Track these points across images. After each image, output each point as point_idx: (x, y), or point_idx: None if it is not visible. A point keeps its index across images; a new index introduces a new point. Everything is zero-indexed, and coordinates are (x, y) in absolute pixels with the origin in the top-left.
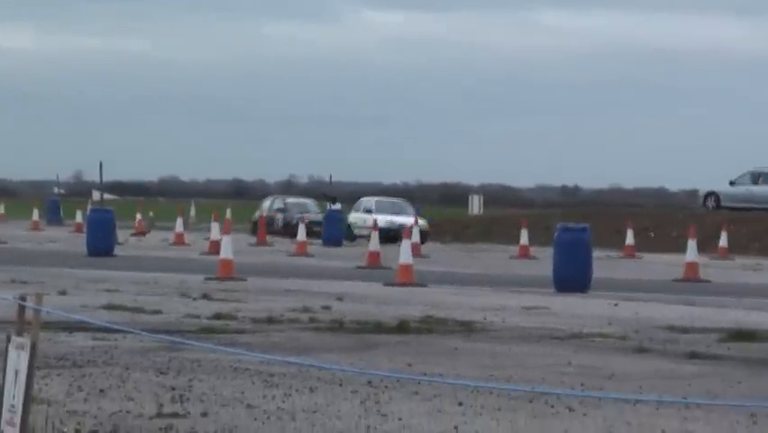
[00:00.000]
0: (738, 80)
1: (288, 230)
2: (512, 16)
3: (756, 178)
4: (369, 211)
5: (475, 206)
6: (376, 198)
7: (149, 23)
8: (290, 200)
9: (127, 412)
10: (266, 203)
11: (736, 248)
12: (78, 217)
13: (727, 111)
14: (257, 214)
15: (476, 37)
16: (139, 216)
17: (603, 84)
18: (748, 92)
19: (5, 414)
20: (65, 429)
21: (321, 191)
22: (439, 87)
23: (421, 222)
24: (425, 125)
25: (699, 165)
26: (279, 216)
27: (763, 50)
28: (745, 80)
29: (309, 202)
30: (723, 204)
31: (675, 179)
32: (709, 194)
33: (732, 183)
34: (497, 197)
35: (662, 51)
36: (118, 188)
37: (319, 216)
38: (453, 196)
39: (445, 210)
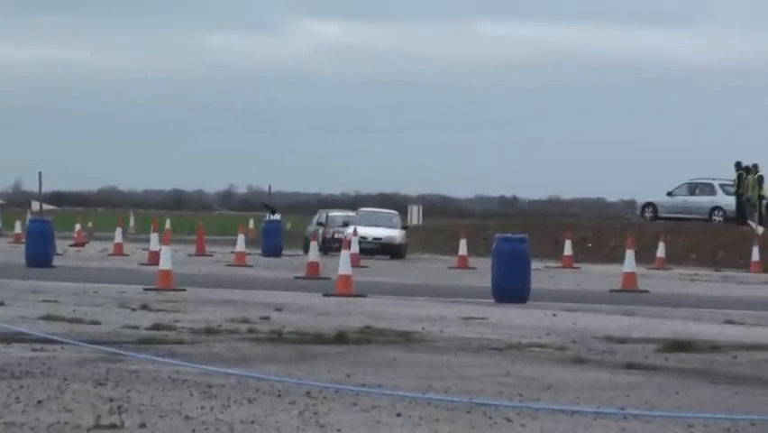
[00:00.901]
0: (676, 92)
1: (326, 245)
2: (449, 26)
3: (693, 189)
4: (346, 224)
5: (414, 216)
6: (362, 209)
7: (89, 34)
8: (332, 214)
9: (65, 423)
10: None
11: (673, 258)
12: (17, 228)
13: (665, 123)
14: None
15: (413, 46)
16: (78, 227)
17: (542, 94)
18: (687, 103)
19: None
20: None
21: (260, 201)
22: (377, 97)
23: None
24: (364, 135)
25: (637, 176)
26: (320, 230)
27: (701, 63)
28: (684, 92)
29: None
30: (660, 214)
31: (613, 190)
32: (647, 204)
33: (669, 194)
34: (436, 207)
35: (600, 62)
36: (57, 198)
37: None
38: (392, 206)
39: None
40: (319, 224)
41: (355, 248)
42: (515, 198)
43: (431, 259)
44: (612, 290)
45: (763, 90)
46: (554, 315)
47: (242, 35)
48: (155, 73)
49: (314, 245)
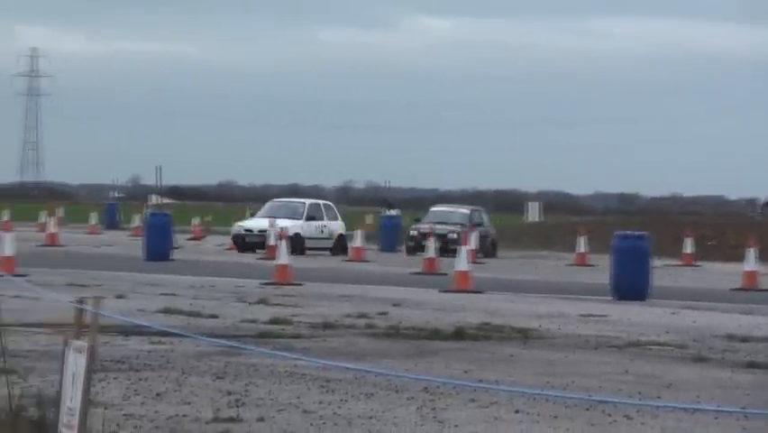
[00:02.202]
0: None
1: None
2: (564, 23)
3: None
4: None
5: (533, 212)
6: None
7: (207, 29)
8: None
9: (184, 416)
10: None
11: None
12: (136, 221)
13: None
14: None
15: (527, 42)
16: (196, 221)
17: (663, 91)
18: None
19: (63, 417)
20: None
21: (382, 197)
22: (496, 94)
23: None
24: (483, 132)
25: (759, 174)
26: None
27: None
28: None
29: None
30: None
31: (734, 188)
32: None
33: None
34: (555, 204)
35: (723, 59)
36: (176, 192)
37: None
38: (510, 203)
39: (502, 217)
40: (416, 220)
41: (473, 244)
42: (635, 196)
43: (549, 256)
44: (732, 289)
45: None
46: (674, 313)
47: (358, 30)
48: (271, 68)
49: (431, 241)
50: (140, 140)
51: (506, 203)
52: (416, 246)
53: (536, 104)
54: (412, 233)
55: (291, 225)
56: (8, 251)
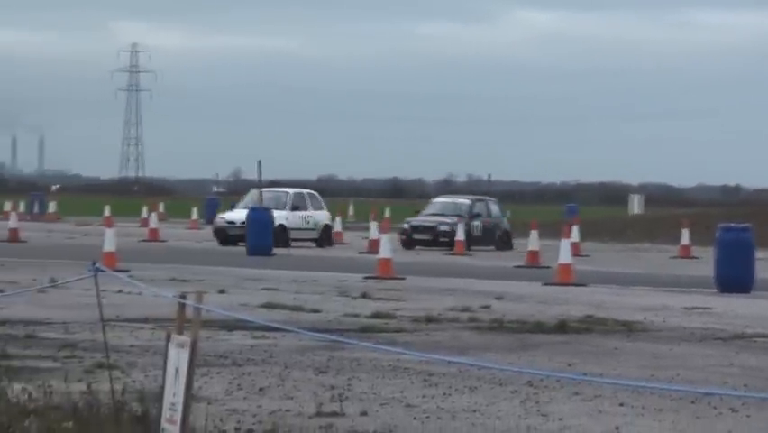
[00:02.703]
0: None
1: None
2: (666, 15)
3: None
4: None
5: (635, 205)
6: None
7: (300, 23)
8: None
9: (286, 411)
10: None
11: None
12: None
13: None
14: None
15: (631, 35)
16: None
17: (765, 82)
18: None
19: (166, 412)
20: (225, 428)
21: (480, 190)
22: (597, 87)
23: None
24: (584, 125)
25: None
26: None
27: None
28: None
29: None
30: None
31: None
32: None
33: None
34: (657, 196)
35: None
36: (276, 186)
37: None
38: (612, 195)
39: (605, 209)
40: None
41: (575, 237)
42: (737, 187)
43: (652, 248)
44: None
45: None
46: None
47: (455, 24)
48: (369, 62)
49: (534, 234)
50: (240, 135)
51: (608, 195)
52: (409, 240)
53: (636, 96)
54: (404, 226)
55: (276, 216)
56: (109, 246)
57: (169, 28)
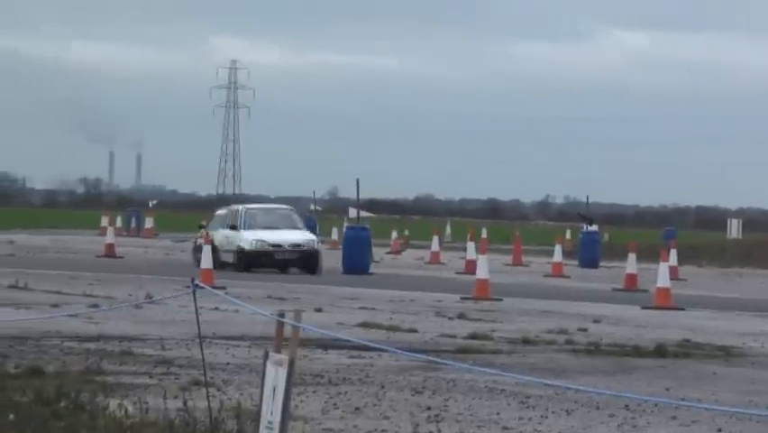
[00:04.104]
0: None
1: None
2: (761, 37)
3: None
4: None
5: (733, 229)
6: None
7: (405, 42)
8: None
9: (382, 431)
10: None
11: None
12: (334, 234)
13: None
14: None
15: (731, 58)
16: (395, 235)
17: None
18: None
19: (263, 430)
20: None
21: (577, 212)
22: (692, 109)
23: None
24: (681, 147)
25: None
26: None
27: None
28: None
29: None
30: None
31: None
32: None
33: None
34: (756, 220)
35: None
36: (373, 205)
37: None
38: (710, 219)
39: (702, 233)
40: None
41: (673, 261)
42: None
43: (750, 273)
44: None
45: None
46: None
47: (550, 44)
48: (465, 82)
49: (632, 257)
50: (337, 153)
51: (706, 219)
52: None
53: (733, 120)
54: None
55: (303, 240)
56: (207, 263)
57: (268, 45)
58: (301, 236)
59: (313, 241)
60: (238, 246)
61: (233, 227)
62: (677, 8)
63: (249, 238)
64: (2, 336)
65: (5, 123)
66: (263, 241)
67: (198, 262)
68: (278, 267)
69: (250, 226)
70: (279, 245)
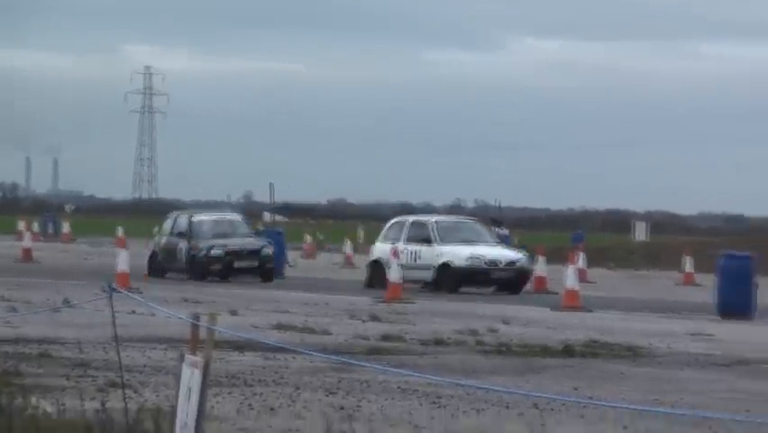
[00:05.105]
0: None
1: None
2: (668, 45)
3: None
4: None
5: (640, 232)
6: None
7: (307, 47)
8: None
9: (296, 431)
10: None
11: None
12: None
13: None
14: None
15: (632, 64)
16: (309, 238)
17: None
18: None
19: (179, 431)
20: None
21: (489, 216)
22: (603, 114)
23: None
24: (588, 152)
25: None
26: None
27: None
28: None
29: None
30: None
31: None
32: None
33: None
34: (662, 223)
35: None
36: (287, 209)
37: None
38: (617, 222)
39: (610, 236)
40: (178, 234)
41: (581, 263)
42: (741, 216)
43: (657, 275)
44: None
45: None
46: None
47: (462, 51)
48: (377, 87)
49: (541, 260)
50: (252, 157)
51: (614, 222)
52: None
53: (642, 124)
54: None
55: (517, 258)
56: (123, 267)
57: (180, 51)
58: (512, 254)
59: (524, 258)
60: (442, 263)
61: (425, 240)
62: (586, 18)
63: (461, 254)
64: None
65: None
66: (480, 258)
67: (151, 269)
68: (492, 285)
69: (445, 240)
70: (497, 262)
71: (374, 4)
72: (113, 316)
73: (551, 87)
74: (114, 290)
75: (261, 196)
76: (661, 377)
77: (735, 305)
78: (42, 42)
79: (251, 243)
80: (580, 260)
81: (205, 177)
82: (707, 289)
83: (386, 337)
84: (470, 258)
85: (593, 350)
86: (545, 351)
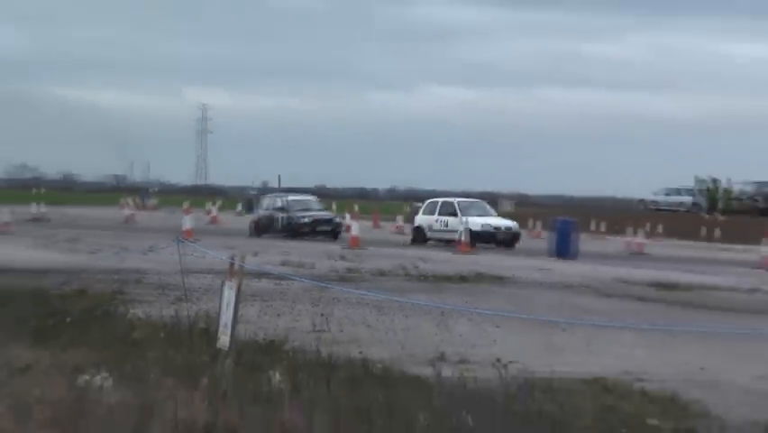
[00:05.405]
0: None
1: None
2: (518, 92)
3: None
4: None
5: (505, 205)
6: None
7: (300, 89)
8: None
9: (294, 328)
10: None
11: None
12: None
13: None
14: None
15: (506, 105)
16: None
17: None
18: None
19: (221, 328)
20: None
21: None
22: (473, 136)
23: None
24: (473, 160)
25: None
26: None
27: None
28: None
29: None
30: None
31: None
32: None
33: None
34: (523, 202)
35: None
36: (291, 191)
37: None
38: (489, 200)
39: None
40: (276, 208)
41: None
42: (568, 196)
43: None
44: (631, 253)
45: None
46: (594, 268)
47: (393, 94)
48: (335, 115)
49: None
50: (265, 159)
51: (491, 200)
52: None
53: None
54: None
55: (512, 225)
56: (188, 225)
57: (222, 91)
58: (510, 223)
59: (514, 225)
60: (464, 228)
61: (452, 213)
62: (477, 72)
63: (477, 222)
64: (63, 270)
65: None
66: (489, 225)
67: (255, 231)
68: (497, 243)
69: (466, 213)
70: (499, 228)
71: (332, 60)
72: (180, 256)
73: (443, 120)
74: (180, 240)
75: (273, 183)
76: (519, 294)
77: (564, 251)
78: (127, 83)
79: (326, 214)
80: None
81: (236, 170)
82: (547, 241)
83: (349, 270)
84: (483, 225)
85: (478, 277)
86: (448, 278)
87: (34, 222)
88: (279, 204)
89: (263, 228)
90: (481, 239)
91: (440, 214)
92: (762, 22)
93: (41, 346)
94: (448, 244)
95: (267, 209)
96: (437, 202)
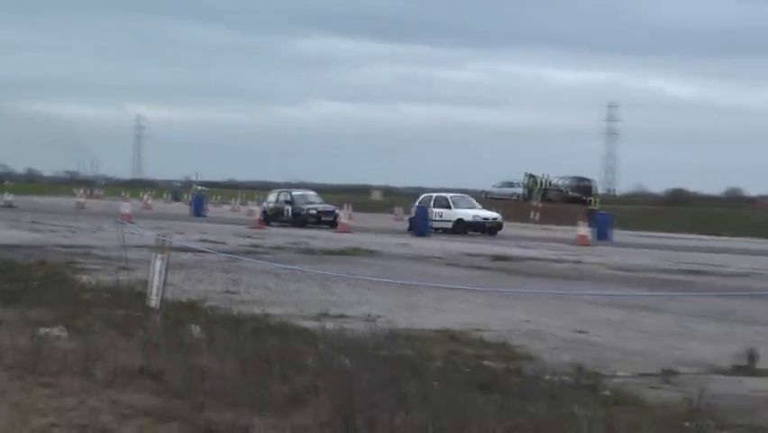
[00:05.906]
0: None
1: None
2: (385, 107)
3: (510, 184)
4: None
5: (376, 195)
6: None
7: (236, 105)
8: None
9: (210, 290)
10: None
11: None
12: (187, 198)
13: None
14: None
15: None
16: (218, 197)
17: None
18: None
19: (152, 290)
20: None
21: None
22: (357, 142)
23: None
24: (359, 160)
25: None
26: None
27: None
28: None
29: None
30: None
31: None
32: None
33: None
34: (391, 192)
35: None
36: (211, 184)
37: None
38: (362, 191)
39: (365, 198)
40: (284, 201)
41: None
42: (423, 187)
43: (386, 216)
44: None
45: None
46: (443, 242)
47: (290, 108)
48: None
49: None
50: (190, 158)
51: (358, 190)
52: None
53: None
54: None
55: (497, 216)
56: (127, 210)
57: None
58: (494, 214)
59: (499, 216)
60: (458, 218)
61: (446, 206)
62: (358, 88)
63: (469, 213)
64: (27, 246)
65: None
66: (479, 216)
67: (264, 221)
68: (485, 231)
69: (458, 206)
70: (487, 218)
71: (242, 82)
72: (121, 234)
73: (328, 128)
74: (120, 222)
75: (192, 177)
76: (385, 265)
77: (420, 230)
78: (89, 102)
79: (328, 206)
80: (348, 209)
81: (166, 167)
82: (407, 222)
83: (254, 246)
84: (474, 216)
85: (354, 251)
86: (331, 252)
87: (4, 208)
88: (287, 197)
89: (271, 218)
90: (472, 228)
91: (435, 206)
92: (566, 53)
93: (12, 306)
94: (445, 232)
95: (274, 202)
96: (431, 196)
